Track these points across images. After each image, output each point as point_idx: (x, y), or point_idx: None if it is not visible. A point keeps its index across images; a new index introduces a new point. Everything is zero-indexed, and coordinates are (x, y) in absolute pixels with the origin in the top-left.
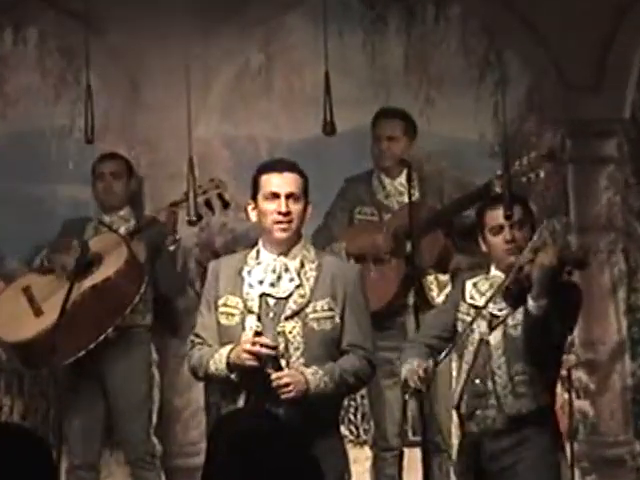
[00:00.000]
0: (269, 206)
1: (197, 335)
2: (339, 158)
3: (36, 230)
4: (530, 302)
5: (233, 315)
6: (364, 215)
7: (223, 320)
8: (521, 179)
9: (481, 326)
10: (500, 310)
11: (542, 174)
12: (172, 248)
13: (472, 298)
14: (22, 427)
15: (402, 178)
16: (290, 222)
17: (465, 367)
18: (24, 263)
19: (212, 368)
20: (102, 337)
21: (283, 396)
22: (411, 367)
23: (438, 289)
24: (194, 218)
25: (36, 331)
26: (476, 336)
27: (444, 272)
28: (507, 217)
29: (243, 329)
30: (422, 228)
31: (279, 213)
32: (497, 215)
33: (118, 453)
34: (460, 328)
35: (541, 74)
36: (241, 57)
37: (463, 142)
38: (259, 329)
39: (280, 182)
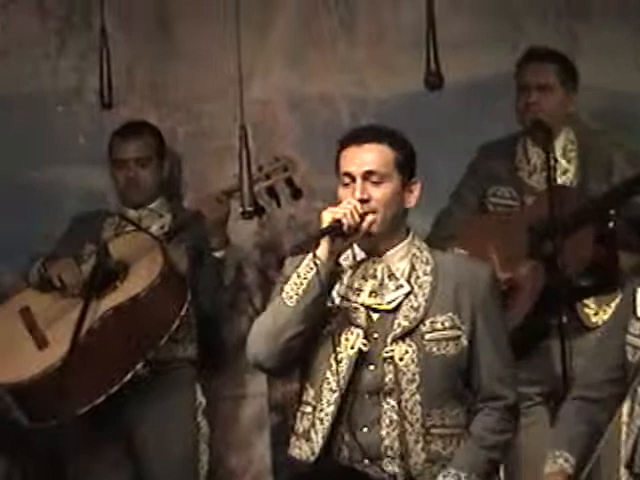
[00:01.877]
0: (343, 192)
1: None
2: (447, 122)
3: (37, 229)
4: None
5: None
6: (500, 198)
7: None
8: None
9: None
10: None
11: None
12: (219, 254)
13: None
14: None
15: (558, 145)
16: (372, 213)
17: (639, 410)
18: (21, 275)
19: (290, 295)
20: (129, 376)
21: None
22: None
23: (597, 305)
24: (250, 209)
25: (39, 369)
26: None
27: (608, 286)
28: None
29: (334, 350)
30: (570, 221)
31: None
32: None
33: None
34: (631, 356)
35: None
36: None
37: (622, 97)
38: (366, 348)
39: (355, 158)
